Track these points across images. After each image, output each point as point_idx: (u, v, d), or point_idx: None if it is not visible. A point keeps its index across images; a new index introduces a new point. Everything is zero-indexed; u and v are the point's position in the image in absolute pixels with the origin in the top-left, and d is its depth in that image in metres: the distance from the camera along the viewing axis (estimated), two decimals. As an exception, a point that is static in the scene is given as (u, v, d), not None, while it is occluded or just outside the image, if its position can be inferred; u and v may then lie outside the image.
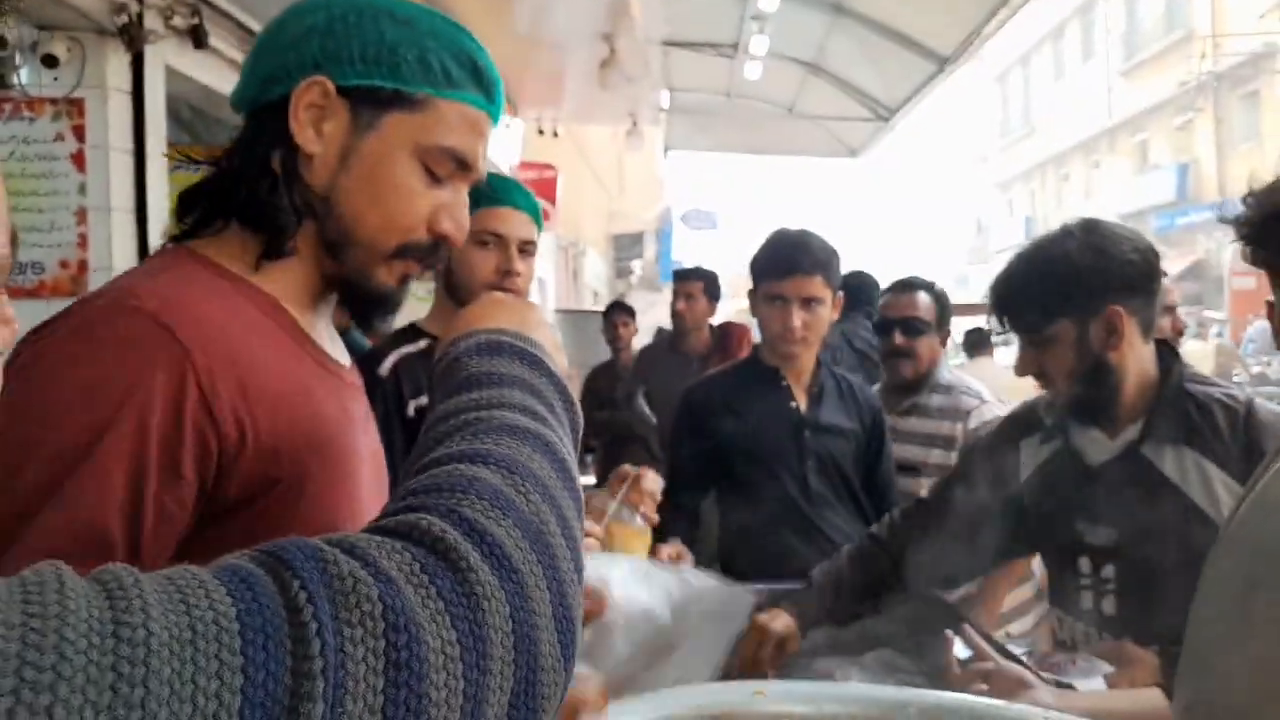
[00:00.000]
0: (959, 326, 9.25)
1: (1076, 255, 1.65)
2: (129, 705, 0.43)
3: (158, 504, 0.83)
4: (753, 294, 2.35)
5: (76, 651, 0.43)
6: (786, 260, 2.25)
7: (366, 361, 2.01)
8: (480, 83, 1.00)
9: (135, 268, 0.99)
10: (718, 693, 1.33)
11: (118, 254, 3.72)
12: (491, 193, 1.95)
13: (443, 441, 0.68)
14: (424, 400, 1.87)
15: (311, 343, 1.02)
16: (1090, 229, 1.68)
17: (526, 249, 2.00)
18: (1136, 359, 1.69)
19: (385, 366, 1.95)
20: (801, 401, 2.34)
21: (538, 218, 2.06)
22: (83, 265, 3.70)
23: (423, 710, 0.51)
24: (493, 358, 0.77)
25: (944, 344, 2.96)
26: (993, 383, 7.18)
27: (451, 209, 1.00)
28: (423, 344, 2.00)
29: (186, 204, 1.01)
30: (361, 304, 1.03)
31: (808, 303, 2.24)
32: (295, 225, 0.97)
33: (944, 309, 2.93)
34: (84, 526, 0.79)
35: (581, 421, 0.80)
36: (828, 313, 2.29)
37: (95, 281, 3.64)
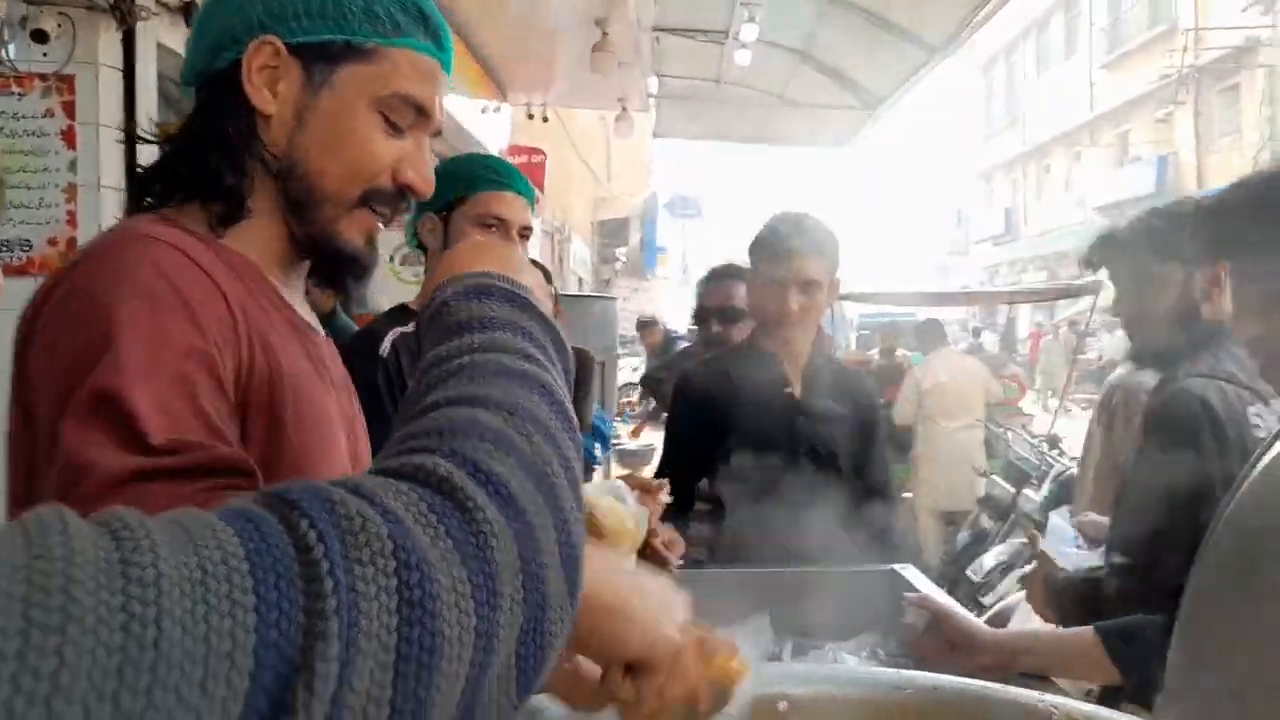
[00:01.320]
0: (938, 316, 9.30)
1: (1146, 220, 1.96)
2: (142, 645, 0.42)
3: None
4: (751, 276, 2.36)
5: (85, 591, 0.41)
6: (784, 243, 2.25)
7: (364, 341, 2.03)
8: (428, 28, 1.00)
9: (110, 236, 0.95)
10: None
11: (107, 232, 3.70)
12: (496, 176, 1.97)
13: (437, 386, 0.67)
14: None
15: (282, 300, 1.02)
16: (1171, 204, 1.96)
17: (525, 234, 2.02)
18: (1173, 313, 1.88)
19: (385, 346, 1.96)
20: (796, 386, 2.34)
21: (533, 204, 2.08)
22: (71, 242, 3.66)
23: (436, 648, 0.51)
24: (482, 301, 0.76)
25: None
26: (953, 370, 7.31)
27: (414, 159, 1.01)
28: (414, 325, 2.00)
29: (142, 184, 1.01)
30: (332, 265, 1.04)
31: (805, 286, 2.23)
32: (244, 180, 0.98)
33: None
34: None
35: (574, 365, 0.79)
36: (824, 296, 2.29)
37: (85, 259, 3.60)
